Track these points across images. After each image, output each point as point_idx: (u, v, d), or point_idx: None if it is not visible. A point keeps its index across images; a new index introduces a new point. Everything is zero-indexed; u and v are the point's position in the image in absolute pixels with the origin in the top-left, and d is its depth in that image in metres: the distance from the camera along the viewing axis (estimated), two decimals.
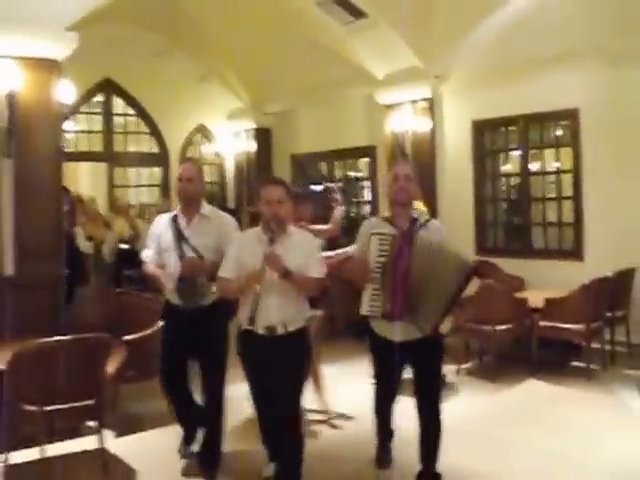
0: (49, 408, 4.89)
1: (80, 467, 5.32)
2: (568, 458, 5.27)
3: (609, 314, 7.80)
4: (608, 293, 7.59)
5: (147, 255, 5.41)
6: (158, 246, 5.32)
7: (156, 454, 5.52)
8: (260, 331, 4.50)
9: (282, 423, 4.58)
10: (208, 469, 5.18)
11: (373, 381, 4.91)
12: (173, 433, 5.41)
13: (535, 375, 7.39)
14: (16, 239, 6.83)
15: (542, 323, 7.48)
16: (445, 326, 4.49)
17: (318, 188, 7.06)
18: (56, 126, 7.27)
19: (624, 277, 7.96)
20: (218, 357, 5.25)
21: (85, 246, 9.83)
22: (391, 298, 4.46)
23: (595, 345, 7.75)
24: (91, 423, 5.67)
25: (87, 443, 5.51)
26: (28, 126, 6.89)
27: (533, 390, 7.11)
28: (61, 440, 5.50)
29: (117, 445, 5.53)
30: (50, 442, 5.13)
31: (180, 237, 5.22)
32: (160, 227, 5.38)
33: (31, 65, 6.89)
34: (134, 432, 5.96)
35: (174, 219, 5.32)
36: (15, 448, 5.34)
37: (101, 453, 5.22)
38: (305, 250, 4.62)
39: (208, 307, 5.19)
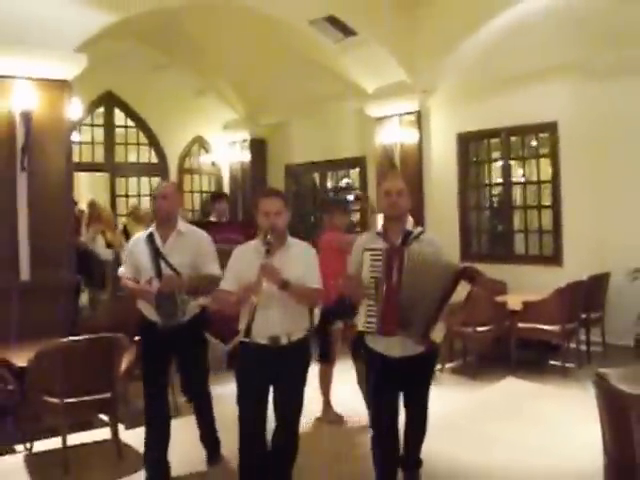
0: (69, 400, 5.35)
1: (96, 455, 5.77)
2: (542, 448, 5.73)
3: (585, 316, 8.30)
4: (583, 296, 8.09)
5: (124, 272, 5.36)
6: (135, 264, 5.27)
7: None
8: (262, 341, 4.49)
9: (280, 439, 4.62)
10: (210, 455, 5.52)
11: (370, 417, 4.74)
12: (177, 425, 5.82)
13: (514, 373, 7.89)
14: (31, 247, 7.34)
15: (521, 324, 8.01)
16: (437, 334, 4.35)
17: (350, 197, 6.52)
18: (67, 141, 7.80)
19: (599, 281, 8.45)
20: (199, 371, 5.37)
21: (105, 253, 10.17)
22: (385, 313, 4.35)
23: (572, 345, 8.29)
24: (104, 417, 6.16)
25: (101, 434, 5.99)
26: (41, 142, 7.40)
27: (512, 387, 7.60)
28: (77, 432, 5.89)
29: (128, 436, 5.96)
30: (69, 433, 5.50)
31: (157, 255, 5.18)
32: (137, 245, 5.33)
33: (44, 85, 7.41)
34: (142, 425, 6.44)
35: (150, 237, 5.28)
36: (37, 438, 5.88)
37: (116, 442, 5.70)
38: (303, 261, 4.62)
39: (186, 323, 5.19)
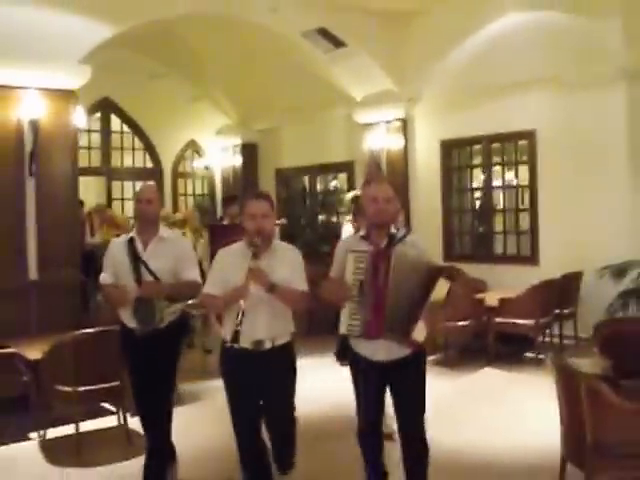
0: (81, 388, 5.81)
1: (106, 440, 6.24)
2: (509, 427, 6.31)
3: (558, 311, 8.84)
4: (556, 293, 8.63)
5: (104, 278, 5.21)
6: (115, 269, 5.16)
7: None
8: (246, 345, 4.41)
9: (280, 437, 4.63)
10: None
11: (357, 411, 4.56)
12: (178, 413, 6.25)
13: (492, 364, 8.45)
14: (39, 248, 7.79)
15: (498, 319, 8.56)
16: (420, 334, 4.20)
17: None
18: (72, 148, 8.26)
19: (572, 279, 8.98)
20: (168, 376, 5.19)
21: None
22: (370, 316, 4.22)
23: (547, 339, 8.86)
24: (110, 407, 6.63)
25: (109, 422, 6.50)
26: (48, 148, 7.86)
27: (488, 376, 8.17)
28: (86, 420, 6.32)
29: (134, 423, 6.39)
30: (80, 420, 5.96)
31: (137, 260, 5.08)
32: (116, 250, 5.23)
33: (50, 95, 7.87)
34: None
35: (131, 242, 5.17)
36: (49, 426, 6.32)
37: (125, 428, 6.17)
38: (290, 264, 4.56)
39: (163, 330, 5.08)
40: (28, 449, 6.15)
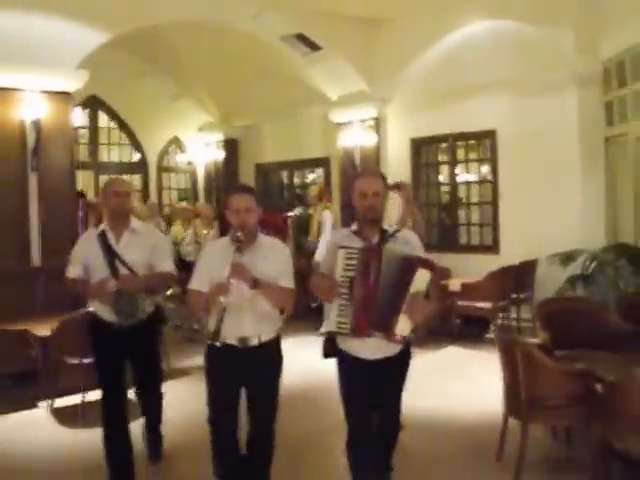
0: (86, 360, 6.41)
1: None
2: (462, 395, 7.22)
3: (515, 295, 9.65)
4: (513, 278, 9.43)
5: (73, 272, 5.16)
6: (86, 263, 5.08)
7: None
8: (231, 342, 4.37)
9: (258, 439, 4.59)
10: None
11: (346, 422, 4.41)
12: (169, 387, 6.72)
13: (455, 343, 9.29)
14: (41, 237, 8.46)
15: (460, 303, 9.40)
16: (403, 327, 4.09)
17: None
18: (70, 145, 8.96)
19: (528, 266, 9.75)
20: (154, 369, 5.31)
21: None
22: (360, 314, 4.09)
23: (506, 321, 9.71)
24: None
25: None
26: (49, 146, 8.53)
27: (450, 353, 9.04)
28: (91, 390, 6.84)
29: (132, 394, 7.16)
30: (86, 390, 6.60)
31: (111, 254, 5.01)
32: (87, 244, 5.16)
33: (51, 97, 8.53)
34: None
35: (102, 235, 5.09)
36: (56, 397, 7.05)
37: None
38: (276, 259, 4.47)
39: (141, 322, 5.08)
40: (38, 416, 6.86)
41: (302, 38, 11.28)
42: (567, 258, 8.51)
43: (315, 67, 11.98)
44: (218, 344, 4.26)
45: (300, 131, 13.81)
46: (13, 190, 8.32)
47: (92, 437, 5.55)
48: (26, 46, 8.23)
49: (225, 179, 14.99)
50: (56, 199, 8.57)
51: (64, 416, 6.81)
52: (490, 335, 9.51)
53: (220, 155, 15.21)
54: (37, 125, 8.40)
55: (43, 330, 6.92)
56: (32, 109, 8.37)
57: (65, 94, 8.73)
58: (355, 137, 12.15)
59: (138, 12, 9.31)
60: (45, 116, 8.48)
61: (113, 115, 14.72)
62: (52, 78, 8.52)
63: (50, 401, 7.05)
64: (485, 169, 11.22)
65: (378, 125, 12.08)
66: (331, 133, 12.72)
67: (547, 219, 9.87)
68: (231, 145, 15.20)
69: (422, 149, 11.89)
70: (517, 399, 5.05)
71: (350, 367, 4.35)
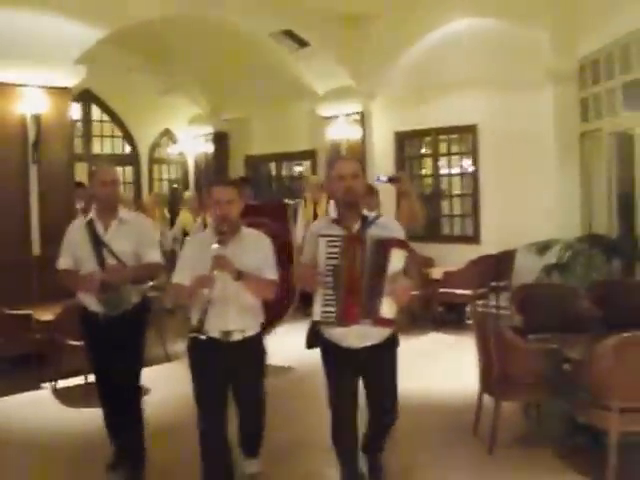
0: None
1: None
2: (442, 376, 7.64)
3: (494, 284, 10.08)
4: (493, 267, 9.86)
5: (63, 262, 5.12)
6: (74, 254, 5.03)
7: (161, 380, 7.39)
8: (214, 335, 4.33)
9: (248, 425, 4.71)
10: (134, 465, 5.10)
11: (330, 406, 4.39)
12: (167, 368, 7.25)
13: (437, 329, 9.73)
14: (40, 227, 8.84)
15: (441, 290, 9.84)
16: (388, 309, 4.04)
17: (383, 179, 6.47)
18: (69, 138, 9.34)
19: (507, 255, 10.15)
20: (135, 364, 5.12)
21: None
22: (346, 303, 4.03)
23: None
24: None
25: None
26: (48, 139, 8.90)
27: (432, 338, 9.47)
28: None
29: None
30: (88, 372, 6.73)
31: (99, 243, 4.93)
32: (75, 233, 5.09)
33: (51, 92, 8.90)
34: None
35: (90, 224, 4.99)
36: (59, 378, 7.42)
37: None
38: (258, 251, 4.46)
39: (129, 311, 5.00)
40: (42, 396, 7.24)
41: (290, 35, 11.64)
42: (543, 247, 8.96)
43: (302, 62, 12.37)
44: (203, 337, 4.22)
45: (288, 124, 14.15)
46: (15, 181, 8.69)
47: (94, 416, 5.72)
48: (27, 43, 8.56)
49: (215, 171, 15.32)
50: (55, 189, 8.94)
51: (67, 396, 7.19)
52: (471, 321, 9.93)
53: (210, 148, 15.55)
54: (37, 119, 8.75)
55: (45, 315, 7.31)
56: (33, 104, 8.72)
57: (64, 89, 9.08)
58: (341, 131, 12.56)
59: (132, 9, 9.63)
60: (45, 111, 8.83)
61: (106, 108, 15.00)
62: (52, 74, 8.88)
63: (54, 382, 7.43)
64: (466, 162, 11.63)
65: (363, 119, 12.48)
66: (318, 127, 13.09)
67: (525, 211, 10.34)
68: (221, 138, 15.54)
69: (406, 143, 12.33)
70: (490, 378, 5.50)
71: (335, 357, 4.29)
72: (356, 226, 4.21)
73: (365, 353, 4.23)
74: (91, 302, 4.99)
